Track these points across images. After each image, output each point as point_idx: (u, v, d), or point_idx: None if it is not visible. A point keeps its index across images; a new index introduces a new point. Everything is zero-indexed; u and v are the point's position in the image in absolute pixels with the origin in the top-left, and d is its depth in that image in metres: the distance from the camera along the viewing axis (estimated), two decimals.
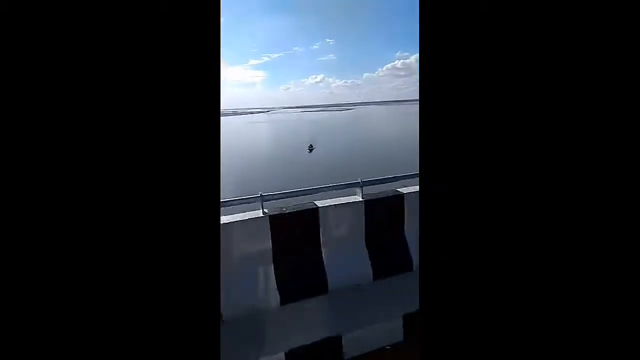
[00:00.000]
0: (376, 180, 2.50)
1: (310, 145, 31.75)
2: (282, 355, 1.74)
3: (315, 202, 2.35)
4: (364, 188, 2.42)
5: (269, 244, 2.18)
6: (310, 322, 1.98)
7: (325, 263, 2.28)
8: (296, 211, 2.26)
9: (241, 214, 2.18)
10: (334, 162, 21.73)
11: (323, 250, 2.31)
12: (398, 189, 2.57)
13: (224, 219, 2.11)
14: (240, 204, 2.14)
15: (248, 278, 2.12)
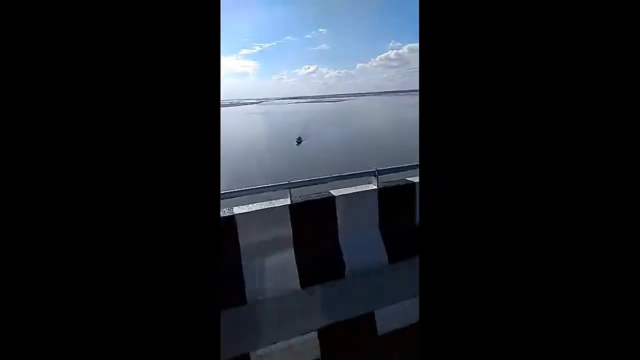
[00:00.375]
0: (391, 169, 2.61)
1: (299, 137, 31.09)
2: (314, 334, 1.81)
3: (331, 191, 2.46)
4: (379, 177, 2.54)
5: (290, 231, 2.29)
6: (331, 304, 2.06)
7: (342, 248, 2.40)
8: (314, 199, 2.36)
9: (264, 202, 2.28)
10: (322, 154, 21.62)
11: (340, 236, 2.43)
12: (409, 178, 2.70)
13: (250, 207, 2.19)
14: (268, 191, 2.24)
15: (271, 263, 2.23)
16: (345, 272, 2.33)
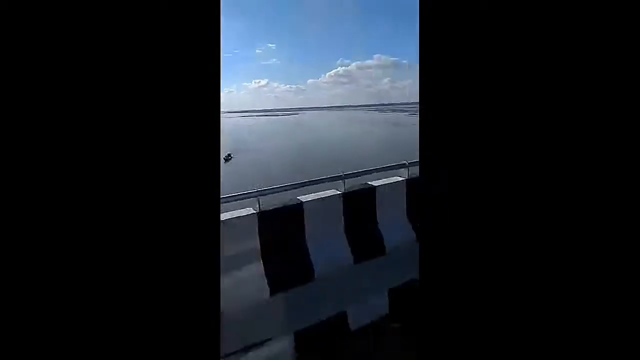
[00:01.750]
0: (356, 172, 2.74)
1: (228, 154, 28.86)
2: (291, 336, 1.91)
3: (299, 197, 2.47)
4: (346, 181, 2.63)
5: (257, 240, 2.23)
6: (309, 304, 2.11)
7: (310, 252, 2.41)
8: (283, 206, 2.35)
9: (234, 211, 2.20)
10: (250, 171, 21.02)
11: (308, 241, 2.44)
12: (369, 182, 2.84)
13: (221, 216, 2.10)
14: (235, 200, 2.18)
15: (243, 273, 2.14)
16: (314, 275, 2.33)
